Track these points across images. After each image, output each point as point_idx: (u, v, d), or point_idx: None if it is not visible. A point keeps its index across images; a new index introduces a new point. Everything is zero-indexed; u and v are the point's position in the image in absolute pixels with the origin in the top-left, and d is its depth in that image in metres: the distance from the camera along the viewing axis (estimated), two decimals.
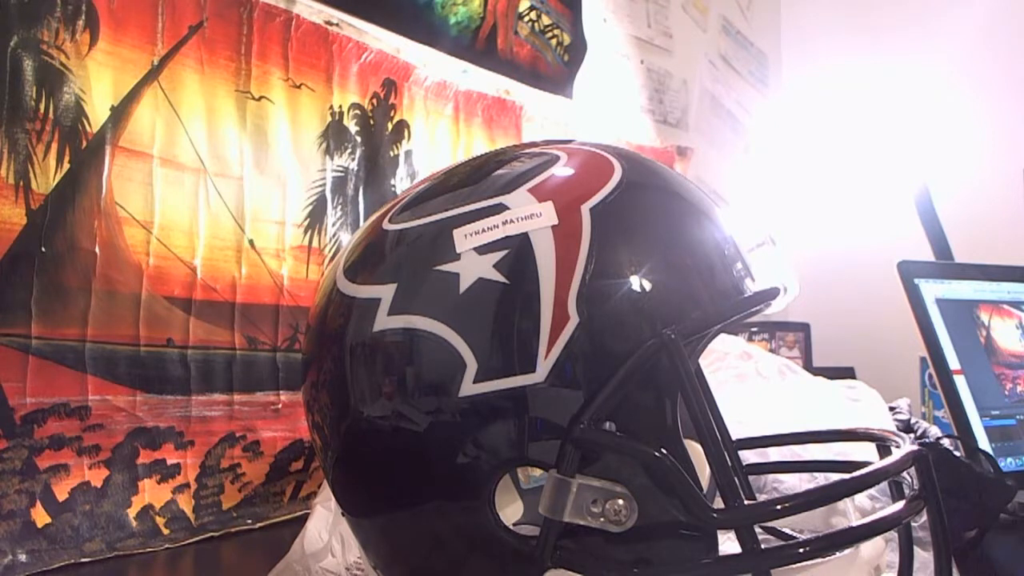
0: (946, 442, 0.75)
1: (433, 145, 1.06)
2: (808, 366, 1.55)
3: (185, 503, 0.78)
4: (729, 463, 0.50)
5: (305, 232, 0.91)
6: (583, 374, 0.40)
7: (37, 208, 0.69)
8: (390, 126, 1.01)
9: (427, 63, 1.05)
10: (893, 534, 0.45)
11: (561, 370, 0.39)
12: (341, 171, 0.95)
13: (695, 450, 0.43)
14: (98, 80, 0.73)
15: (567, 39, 1.34)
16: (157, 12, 0.78)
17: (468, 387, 0.40)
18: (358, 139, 0.96)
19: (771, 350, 1.61)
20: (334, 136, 0.94)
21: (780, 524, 0.53)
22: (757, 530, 0.40)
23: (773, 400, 0.80)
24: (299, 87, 0.90)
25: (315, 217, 0.92)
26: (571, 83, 1.34)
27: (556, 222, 0.41)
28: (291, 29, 0.89)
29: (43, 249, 0.69)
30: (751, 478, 0.57)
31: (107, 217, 0.73)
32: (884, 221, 1.75)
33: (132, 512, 0.74)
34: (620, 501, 0.39)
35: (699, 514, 0.38)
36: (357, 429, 0.44)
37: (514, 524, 0.56)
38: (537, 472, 0.55)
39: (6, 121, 0.67)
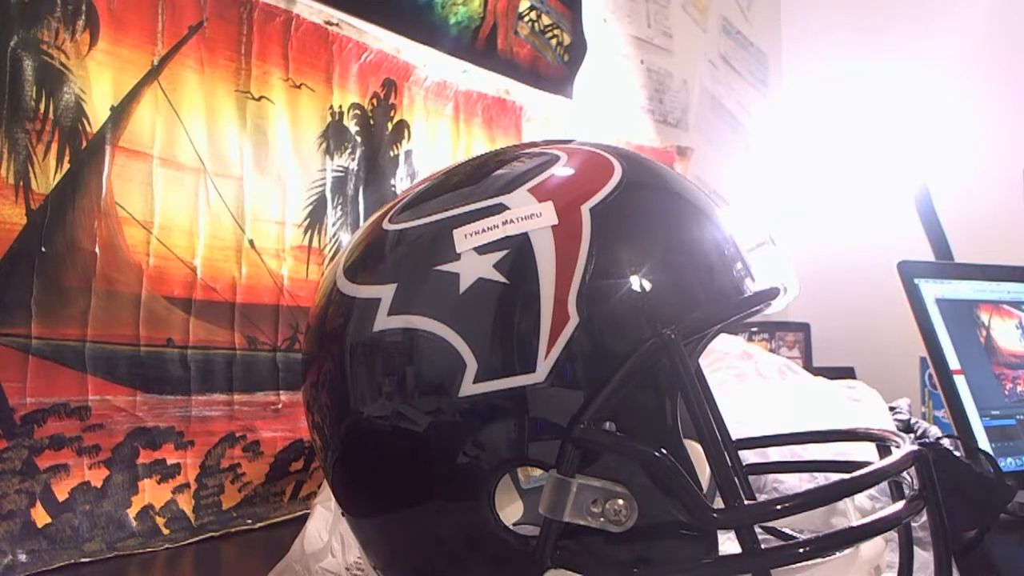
0: (946, 442, 0.75)
1: (433, 145, 1.06)
2: (808, 366, 1.55)
3: (185, 503, 0.78)
4: (729, 463, 0.50)
5: (305, 232, 0.91)
6: (583, 374, 0.40)
7: (37, 208, 0.69)
8: (390, 126, 1.01)
9: (427, 63, 1.05)
10: (893, 534, 0.45)
11: (561, 370, 0.39)
12: (341, 171, 0.95)
13: (695, 450, 0.43)
14: (98, 80, 0.73)
15: (567, 39, 1.34)
16: (157, 12, 0.78)
17: (468, 387, 0.40)
18: (358, 139, 0.96)
19: (771, 350, 1.61)
20: (334, 136, 0.94)
21: (780, 524, 0.53)
22: (757, 530, 0.40)
23: (773, 400, 0.80)
24: (299, 87, 0.90)
25: (315, 217, 0.92)
26: (571, 83, 1.34)
27: (556, 222, 0.41)
28: (291, 29, 0.89)
29: (43, 249, 0.69)
30: (751, 478, 0.57)
31: (107, 217, 0.73)
32: (884, 221, 1.75)
33: (132, 512, 0.74)
34: (620, 501, 0.39)
35: (699, 514, 0.38)
36: (357, 429, 0.44)
37: (514, 524, 0.56)
38: (537, 472, 0.55)
39: (6, 121, 0.67)
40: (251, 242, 0.85)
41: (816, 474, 0.64)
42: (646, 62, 1.58)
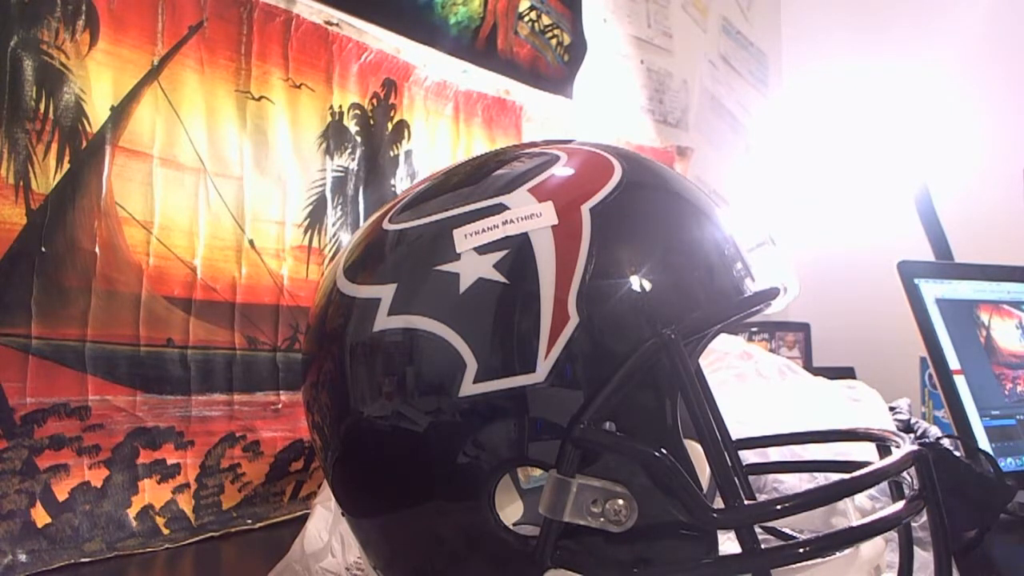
0: (946, 442, 0.75)
1: (433, 145, 1.06)
2: (808, 366, 1.55)
3: (185, 503, 0.78)
4: (729, 463, 0.50)
5: (305, 232, 0.91)
6: (583, 374, 0.40)
7: (37, 208, 0.69)
8: (390, 126, 1.01)
9: (427, 63, 1.05)
10: (893, 534, 0.45)
11: (561, 370, 0.39)
12: (341, 171, 0.95)
13: (695, 450, 0.43)
14: (98, 80, 0.73)
15: (567, 39, 1.34)
16: (157, 12, 0.78)
17: (468, 387, 0.40)
18: (358, 139, 0.96)
19: (771, 350, 1.61)
20: (334, 136, 0.94)
21: (780, 524, 0.53)
22: (757, 530, 0.40)
23: (773, 400, 0.80)
24: (299, 87, 0.90)
25: (315, 217, 0.92)
26: (571, 83, 1.34)
27: (556, 222, 0.41)
28: (291, 29, 0.89)
29: (43, 249, 0.69)
30: (751, 478, 0.57)
31: (107, 217, 0.73)
32: (884, 221, 1.75)
33: (132, 512, 0.74)
34: (620, 501, 0.39)
35: (699, 514, 0.38)
36: (357, 429, 0.44)
37: (514, 524, 0.56)
38: (537, 472, 0.55)
39: (6, 121, 0.67)
40: (251, 242, 0.85)
41: (816, 474, 0.64)
42: (646, 62, 1.58)
